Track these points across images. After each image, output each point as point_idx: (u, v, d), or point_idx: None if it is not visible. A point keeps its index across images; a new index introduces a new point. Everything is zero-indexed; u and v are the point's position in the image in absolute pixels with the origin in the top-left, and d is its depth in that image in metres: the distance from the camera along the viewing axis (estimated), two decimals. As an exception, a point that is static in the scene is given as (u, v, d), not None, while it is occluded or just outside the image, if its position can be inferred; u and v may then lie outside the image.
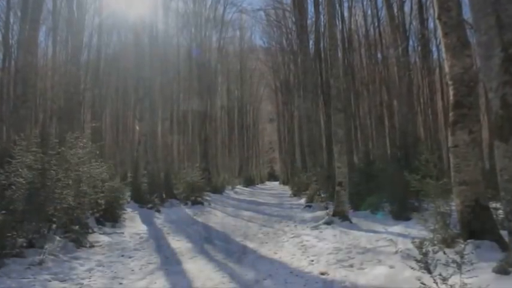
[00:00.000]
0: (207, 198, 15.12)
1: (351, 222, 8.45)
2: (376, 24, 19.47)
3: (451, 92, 5.41)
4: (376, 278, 4.39)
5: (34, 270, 4.71)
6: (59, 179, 6.12)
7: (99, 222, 8.03)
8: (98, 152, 8.00)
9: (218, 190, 20.07)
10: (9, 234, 4.98)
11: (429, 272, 3.23)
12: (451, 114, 5.39)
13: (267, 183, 44.75)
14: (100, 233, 7.40)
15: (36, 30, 9.06)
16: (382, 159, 13.35)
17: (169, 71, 20.67)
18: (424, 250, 3.34)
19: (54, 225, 6.07)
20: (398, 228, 7.09)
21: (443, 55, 5.74)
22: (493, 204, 5.39)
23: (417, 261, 3.32)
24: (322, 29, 18.90)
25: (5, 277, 4.40)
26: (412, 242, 3.59)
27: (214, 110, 28.57)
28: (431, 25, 17.77)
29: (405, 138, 13.02)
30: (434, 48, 18.48)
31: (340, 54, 14.45)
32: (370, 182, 9.73)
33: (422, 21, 16.93)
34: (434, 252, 3.37)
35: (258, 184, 37.68)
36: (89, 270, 4.98)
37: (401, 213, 8.11)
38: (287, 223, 9.58)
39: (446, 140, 6.31)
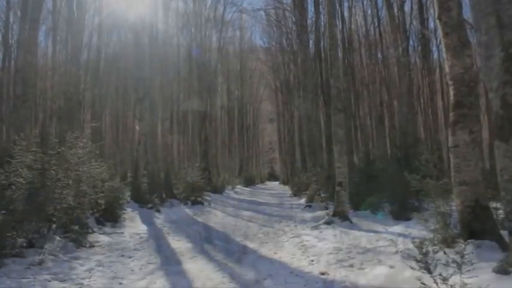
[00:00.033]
0: (207, 198, 15.11)
1: (351, 222, 8.44)
2: (377, 24, 19.46)
3: (451, 92, 5.41)
4: (377, 278, 4.39)
5: (34, 270, 4.71)
6: (58, 179, 6.11)
7: (99, 222, 8.03)
8: (97, 152, 8.00)
9: (218, 190, 20.06)
10: (9, 234, 4.98)
11: (429, 272, 3.23)
12: (451, 114, 5.38)
13: (267, 183, 44.74)
14: (100, 233, 7.40)
15: (36, 30, 9.05)
16: (382, 159, 13.33)
17: (169, 71, 20.66)
18: (424, 250, 3.34)
19: (54, 225, 6.07)
20: (398, 228, 7.08)
21: (444, 55, 5.74)
22: (493, 204, 5.38)
23: (417, 261, 3.32)
24: (323, 29, 18.90)
25: (4, 277, 4.39)
26: (412, 242, 3.59)
27: (214, 110, 28.56)
28: (431, 25, 17.80)
29: (405, 138, 13.02)
30: (434, 48, 18.52)
31: (340, 54, 14.44)
32: (370, 182, 9.72)
33: (423, 21, 16.94)
34: (435, 252, 3.37)
35: (258, 184, 37.67)
36: (88, 270, 4.98)
37: (402, 213, 8.10)
38: (287, 223, 9.58)
39: (447, 140, 6.31)
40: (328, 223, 8.40)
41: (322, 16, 18.54)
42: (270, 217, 11.20)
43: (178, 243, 7.03)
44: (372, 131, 21.10)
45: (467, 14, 6.19)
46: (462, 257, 3.18)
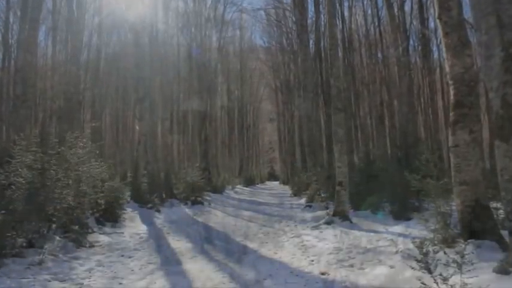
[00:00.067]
0: (207, 198, 15.11)
1: (351, 222, 8.43)
2: (377, 23, 19.45)
3: (451, 92, 5.41)
4: (377, 278, 4.38)
5: (34, 270, 4.70)
6: (58, 178, 6.11)
7: (99, 222, 8.02)
8: (97, 152, 8.00)
9: (218, 190, 20.06)
10: (9, 234, 4.97)
11: (430, 272, 3.23)
12: (451, 113, 5.38)
13: (267, 183, 44.75)
14: (100, 233, 7.40)
15: (35, 30, 9.05)
16: (382, 159, 13.33)
17: (169, 71, 20.65)
18: (424, 250, 3.34)
19: (54, 225, 6.07)
20: (398, 228, 7.08)
21: (444, 55, 5.74)
22: (493, 204, 5.38)
23: (418, 261, 3.32)
24: (323, 29, 18.90)
25: (4, 277, 4.39)
26: (413, 242, 3.59)
27: (214, 110, 28.55)
28: (431, 25, 17.78)
29: (405, 138, 13.01)
30: (434, 48, 18.50)
31: (340, 54, 14.44)
32: (371, 182, 9.72)
33: (423, 21, 16.93)
34: (435, 252, 3.37)
35: (258, 184, 37.67)
36: (88, 270, 4.97)
37: (402, 213, 8.10)
38: (287, 223, 9.57)
39: (447, 139, 6.30)
40: (328, 223, 8.39)
41: (322, 16, 18.56)
42: (270, 217, 11.20)
43: (178, 243, 7.03)
44: (372, 131, 21.09)
45: (468, 13, 6.18)
46: (462, 257, 3.18)
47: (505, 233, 4.32)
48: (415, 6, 17.68)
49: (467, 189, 5.06)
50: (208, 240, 7.34)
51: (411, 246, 3.71)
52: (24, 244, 5.32)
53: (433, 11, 9.60)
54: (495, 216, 5.14)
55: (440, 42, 12.14)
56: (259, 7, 38.41)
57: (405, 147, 11.65)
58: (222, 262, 5.48)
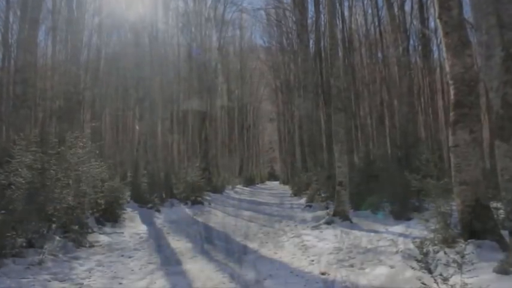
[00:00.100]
0: (207, 198, 15.10)
1: (351, 222, 8.43)
2: (377, 23, 19.42)
3: (451, 92, 5.40)
4: (377, 278, 4.38)
5: (34, 270, 4.70)
6: (58, 178, 6.11)
7: (99, 222, 8.02)
8: (97, 152, 8.00)
9: (218, 190, 20.05)
10: (9, 234, 4.97)
11: (430, 272, 3.23)
12: (451, 113, 5.37)
13: (267, 183, 44.76)
14: (100, 233, 7.40)
15: (35, 30, 9.04)
16: (382, 159, 13.31)
17: (169, 71, 20.64)
18: (424, 250, 3.33)
19: (53, 225, 6.06)
20: (399, 228, 7.08)
21: (444, 54, 5.73)
22: (493, 204, 5.37)
23: (418, 261, 3.31)
24: (323, 29, 18.89)
25: (4, 277, 4.39)
26: (413, 242, 3.59)
27: (214, 110, 28.54)
28: (432, 24, 17.74)
29: (406, 138, 13.02)
30: (435, 48, 18.45)
31: (340, 54, 14.43)
32: (371, 182, 9.72)
33: (423, 21, 16.91)
34: (435, 252, 3.36)
35: (258, 184, 37.68)
36: (88, 270, 4.97)
37: (402, 213, 8.10)
38: (287, 223, 9.57)
39: (447, 139, 6.30)
40: (328, 223, 8.39)
41: (322, 15, 18.55)
42: (270, 217, 11.20)
43: (178, 243, 7.03)
44: (372, 131, 21.07)
45: (468, 13, 6.18)
46: (463, 257, 3.18)
47: (505, 233, 4.33)
48: (415, 6, 17.66)
49: (467, 189, 5.06)
50: (208, 240, 7.34)
51: (411, 246, 3.71)
52: (24, 244, 5.31)
53: (434, 10, 9.59)
54: (495, 216, 5.13)
55: (440, 42, 12.12)
56: (259, 7, 38.40)
57: (405, 147, 11.66)
58: (222, 262, 5.48)
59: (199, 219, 10.97)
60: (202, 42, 24.03)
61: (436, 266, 3.24)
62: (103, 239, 7.05)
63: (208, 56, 25.17)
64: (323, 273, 4.71)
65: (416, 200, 7.78)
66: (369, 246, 6.00)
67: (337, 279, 4.45)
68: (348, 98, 17.99)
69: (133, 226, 8.85)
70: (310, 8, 20.49)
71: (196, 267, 5.15)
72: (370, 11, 20.57)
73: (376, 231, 7.19)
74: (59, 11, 18.10)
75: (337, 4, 18.08)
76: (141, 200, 11.54)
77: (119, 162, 20.45)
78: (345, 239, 6.86)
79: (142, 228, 8.70)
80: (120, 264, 5.38)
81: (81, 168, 6.89)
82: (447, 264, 3.22)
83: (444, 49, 5.56)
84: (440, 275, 3.13)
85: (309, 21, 20.00)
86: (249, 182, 33.59)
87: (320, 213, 10.01)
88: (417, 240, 3.57)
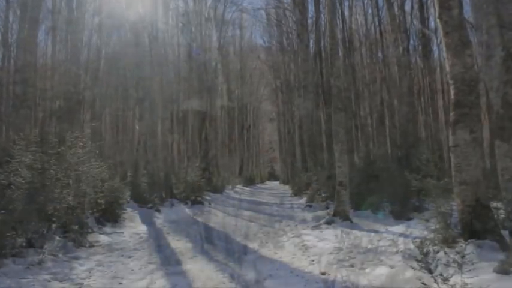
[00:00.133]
0: (207, 197, 15.10)
1: (351, 222, 8.43)
2: (377, 23, 19.41)
3: (452, 92, 5.39)
4: (377, 278, 4.37)
5: (33, 270, 4.70)
6: (58, 178, 6.11)
7: (99, 222, 8.01)
8: (97, 152, 8.00)
9: (218, 190, 20.05)
10: (9, 234, 4.97)
11: (430, 272, 3.22)
12: (452, 113, 5.37)
13: (267, 182, 44.74)
14: (100, 233, 7.39)
15: (35, 30, 9.03)
16: (382, 159, 13.31)
17: (169, 71, 20.64)
18: (425, 250, 3.33)
19: (53, 225, 6.06)
20: (399, 228, 7.07)
21: (444, 54, 5.72)
22: (494, 204, 5.37)
23: (418, 261, 3.31)
24: (323, 28, 18.87)
25: (4, 277, 4.38)
26: (413, 242, 3.59)
27: (214, 110, 28.52)
28: (432, 24, 17.71)
29: (406, 137, 13.01)
30: (435, 48, 18.42)
31: (340, 54, 14.43)
32: (371, 182, 9.72)
33: (423, 21, 16.90)
34: (435, 252, 3.36)
35: (258, 184, 37.66)
36: (88, 270, 4.97)
37: (403, 213, 8.09)
38: (287, 223, 9.57)
39: (447, 139, 6.30)
40: (328, 223, 8.39)
41: (322, 15, 18.52)
42: (271, 217, 11.18)
43: (179, 243, 7.02)
44: (372, 131, 21.05)
45: (468, 13, 6.18)
46: (463, 257, 3.18)
47: (505, 233, 4.33)
48: (416, 6, 17.64)
49: (467, 189, 5.05)
50: (208, 240, 7.33)
51: (412, 246, 3.71)
52: (24, 244, 5.31)
53: (434, 10, 9.59)
54: (496, 216, 5.13)
55: (440, 42, 12.12)
56: (259, 7, 38.29)
57: (405, 147, 11.66)
58: (222, 262, 5.48)
59: (199, 219, 10.97)
60: (202, 42, 24.03)
61: (437, 266, 3.23)
62: (103, 239, 7.04)
63: (208, 56, 25.17)
64: (323, 273, 4.71)
65: (417, 200, 7.78)
66: (369, 246, 6.00)
67: (337, 279, 4.45)
68: (348, 98, 17.98)
69: (133, 226, 8.85)
70: (310, 7, 20.51)
71: (197, 267, 5.15)
72: (370, 10, 20.58)
73: (376, 231, 7.18)
74: (59, 11, 18.08)
75: (338, 4, 18.08)
76: (141, 200, 11.53)
77: (119, 162, 20.42)
78: (345, 239, 6.85)
79: (142, 228, 8.70)
80: (120, 264, 5.38)
81: (81, 168, 6.89)
82: (447, 264, 3.22)
83: (444, 49, 5.55)
84: (441, 275, 3.13)
85: (309, 21, 19.99)
86: (249, 182, 33.58)
87: (320, 213, 10.00)
88: (417, 240, 3.57)
